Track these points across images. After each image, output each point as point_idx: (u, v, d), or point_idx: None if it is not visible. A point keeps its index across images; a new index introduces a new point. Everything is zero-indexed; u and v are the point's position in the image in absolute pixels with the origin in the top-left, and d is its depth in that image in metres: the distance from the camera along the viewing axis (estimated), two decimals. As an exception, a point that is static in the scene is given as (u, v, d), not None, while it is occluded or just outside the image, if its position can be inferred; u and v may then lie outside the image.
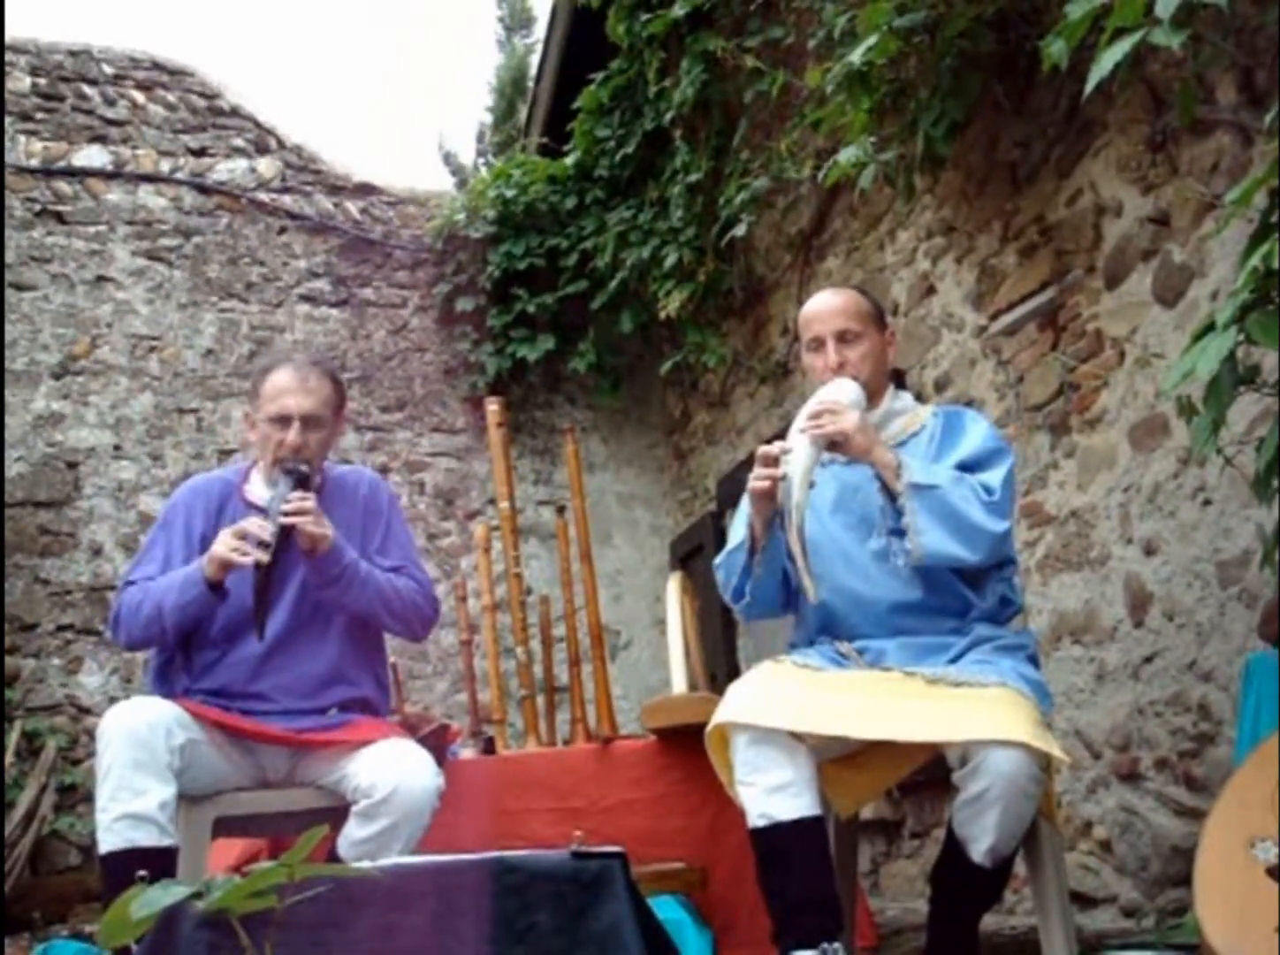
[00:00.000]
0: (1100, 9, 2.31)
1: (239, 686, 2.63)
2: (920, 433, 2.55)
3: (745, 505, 2.53)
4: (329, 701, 2.68)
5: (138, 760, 2.36)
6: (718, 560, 2.61)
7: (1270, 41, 2.84)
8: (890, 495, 2.36)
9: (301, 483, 2.61)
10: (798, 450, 2.33)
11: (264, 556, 2.49)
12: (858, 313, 2.57)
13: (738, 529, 2.55)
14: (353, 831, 2.42)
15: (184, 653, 2.68)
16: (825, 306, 2.59)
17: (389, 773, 2.42)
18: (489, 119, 13.67)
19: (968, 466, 2.42)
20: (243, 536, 2.53)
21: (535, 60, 12.88)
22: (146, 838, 2.33)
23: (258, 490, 2.76)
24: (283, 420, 2.67)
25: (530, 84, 12.09)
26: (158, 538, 2.78)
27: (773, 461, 2.35)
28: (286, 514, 2.53)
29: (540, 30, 13.80)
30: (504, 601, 4.25)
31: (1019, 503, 3.68)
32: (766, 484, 2.35)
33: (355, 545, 2.71)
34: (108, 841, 2.34)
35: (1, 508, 5.80)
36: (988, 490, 2.35)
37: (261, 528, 2.53)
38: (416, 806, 2.41)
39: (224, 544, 2.54)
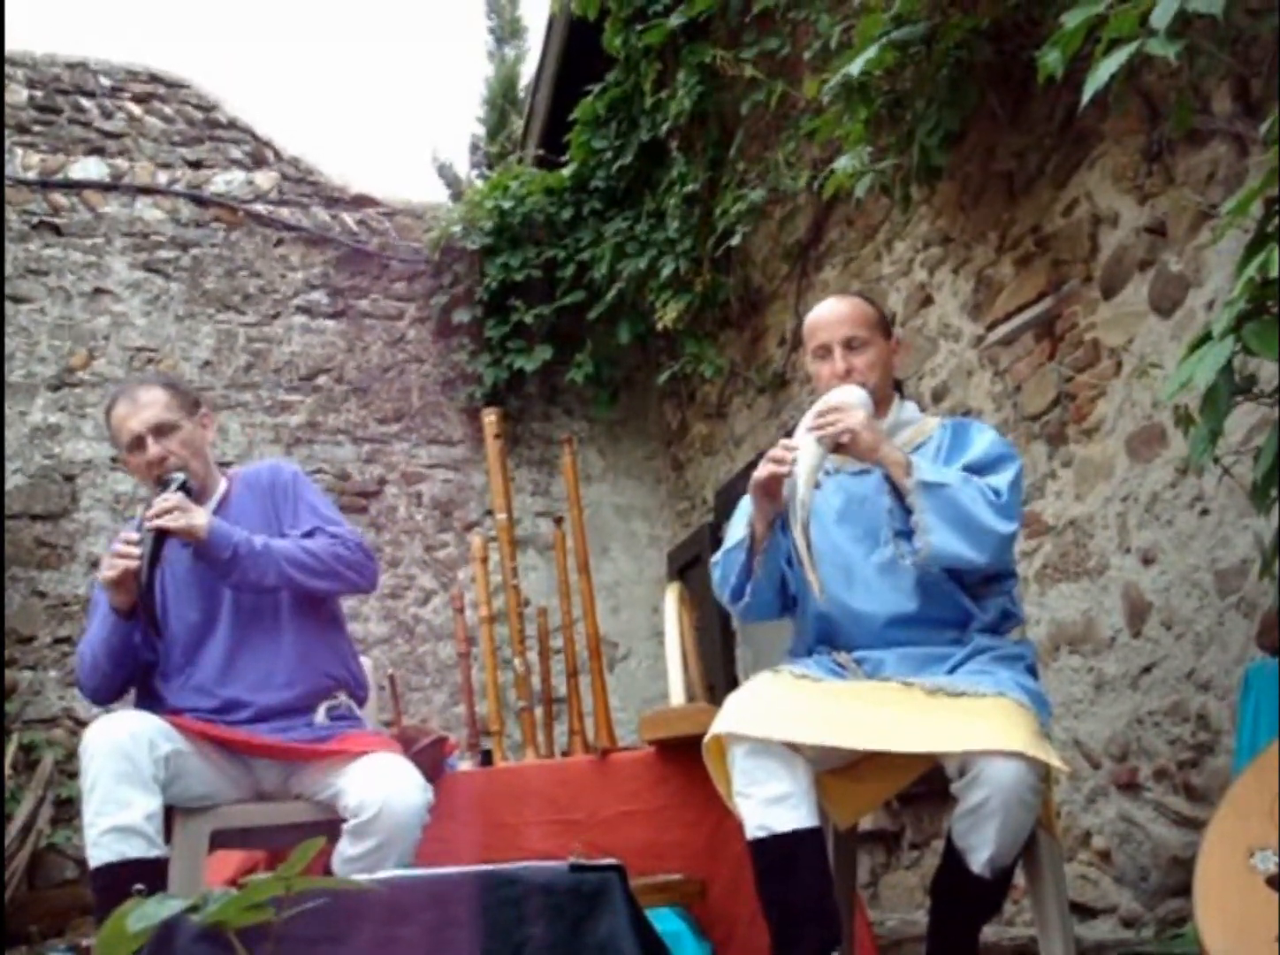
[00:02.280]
0: (1096, 19, 2.32)
1: (212, 702, 2.64)
2: (927, 443, 2.54)
3: (745, 504, 2.52)
4: (301, 690, 2.67)
5: (121, 772, 2.36)
6: (715, 557, 2.60)
7: (1266, 51, 2.85)
8: (898, 495, 2.35)
9: (181, 488, 2.64)
10: (804, 448, 2.32)
11: (132, 563, 2.54)
12: (865, 320, 2.56)
13: (736, 528, 2.54)
14: (345, 849, 2.41)
15: (157, 682, 2.72)
16: (832, 313, 2.57)
17: (375, 791, 2.41)
18: (481, 130, 13.67)
19: (975, 470, 2.40)
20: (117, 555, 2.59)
21: (526, 70, 12.94)
22: (135, 850, 2.32)
23: None
24: (136, 443, 2.71)
25: (522, 94, 12.13)
26: (98, 597, 2.81)
27: (778, 459, 2.35)
28: (156, 518, 2.56)
29: (531, 40, 13.87)
30: (502, 613, 4.24)
31: (1017, 512, 3.68)
32: (767, 474, 2.35)
33: (274, 531, 2.73)
34: (97, 856, 2.34)
35: (1, 520, 5.79)
36: (995, 492, 2.34)
37: (129, 541, 2.58)
38: (404, 824, 2.40)
39: (102, 568, 2.62)
